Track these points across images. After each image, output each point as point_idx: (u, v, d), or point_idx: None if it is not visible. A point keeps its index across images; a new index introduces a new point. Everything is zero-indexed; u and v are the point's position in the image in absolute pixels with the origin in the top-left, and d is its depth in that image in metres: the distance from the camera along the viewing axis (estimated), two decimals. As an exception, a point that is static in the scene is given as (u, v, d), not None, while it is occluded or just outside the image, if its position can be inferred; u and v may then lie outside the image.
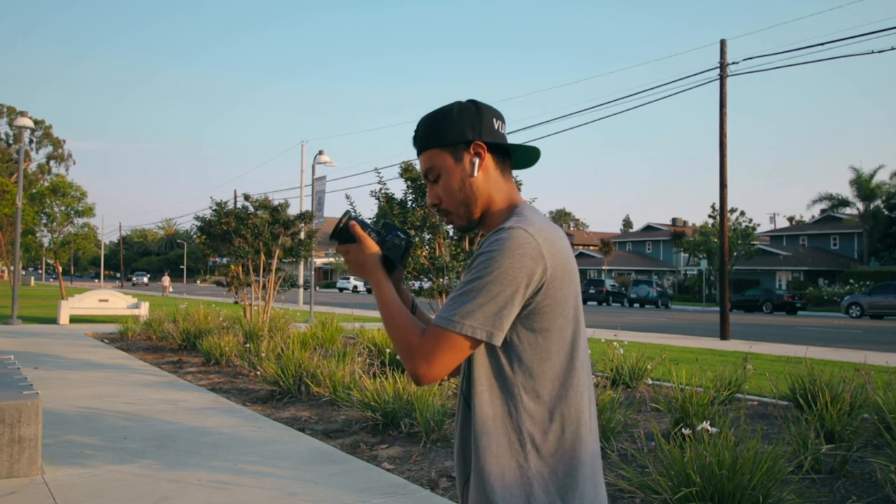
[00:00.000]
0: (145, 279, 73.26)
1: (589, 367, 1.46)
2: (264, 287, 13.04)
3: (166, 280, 53.44)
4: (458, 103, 1.53)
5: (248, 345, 9.85)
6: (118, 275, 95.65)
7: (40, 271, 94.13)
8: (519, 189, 9.67)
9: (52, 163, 67.35)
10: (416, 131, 1.55)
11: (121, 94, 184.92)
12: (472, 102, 1.53)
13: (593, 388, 1.47)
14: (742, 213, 45.79)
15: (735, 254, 44.07)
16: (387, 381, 6.07)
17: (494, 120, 1.52)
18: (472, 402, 1.41)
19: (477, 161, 1.49)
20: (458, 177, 1.50)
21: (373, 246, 1.53)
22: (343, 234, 1.55)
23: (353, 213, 1.58)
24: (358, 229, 1.54)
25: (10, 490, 4.16)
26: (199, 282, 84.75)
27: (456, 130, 1.49)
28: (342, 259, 1.51)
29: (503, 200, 1.52)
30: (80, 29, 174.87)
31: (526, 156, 1.57)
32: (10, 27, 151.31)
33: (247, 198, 13.27)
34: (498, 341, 1.35)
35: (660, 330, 20.39)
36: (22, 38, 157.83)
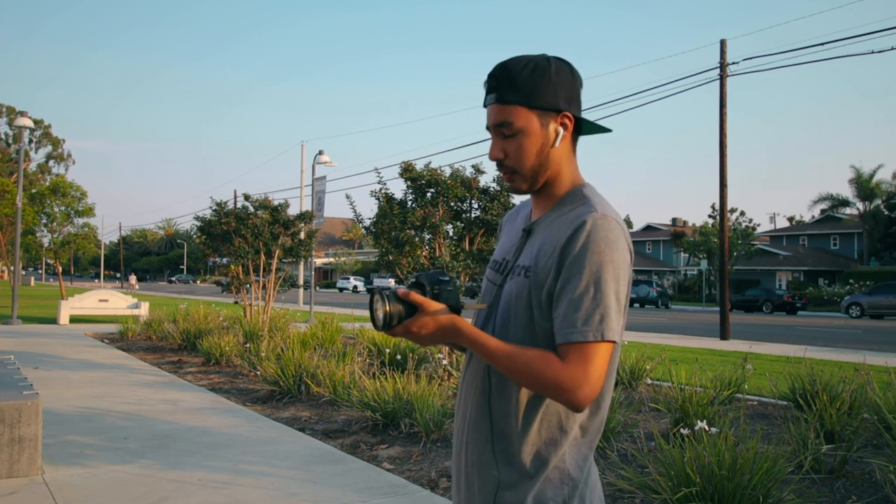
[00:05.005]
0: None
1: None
2: (264, 287, 13.04)
3: (133, 279, 59.47)
4: (555, 61, 1.40)
5: (248, 345, 9.85)
6: (118, 275, 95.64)
7: (40, 271, 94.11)
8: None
9: (51, 163, 67.36)
10: (497, 77, 1.39)
11: (121, 94, 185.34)
12: (567, 66, 1.42)
13: None
14: (742, 213, 45.75)
15: (735, 254, 44.05)
16: (387, 381, 6.07)
17: (581, 91, 1.44)
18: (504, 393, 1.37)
19: (562, 132, 1.40)
20: (539, 143, 1.39)
21: (434, 303, 1.31)
22: (390, 316, 1.28)
23: (380, 288, 1.30)
24: (414, 295, 1.29)
25: (10, 490, 4.16)
26: (198, 282, 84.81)
27: (552, 95, 1.38)
28: (412, 341, 1.33)
29: (568, 176, 1.44)
30: (81, 29, 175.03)
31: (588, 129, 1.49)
32: (11, 27, 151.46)
33: (247, 198, 13.27)
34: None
35: (660, 330, 20.39)
36: (22, 39, 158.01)
